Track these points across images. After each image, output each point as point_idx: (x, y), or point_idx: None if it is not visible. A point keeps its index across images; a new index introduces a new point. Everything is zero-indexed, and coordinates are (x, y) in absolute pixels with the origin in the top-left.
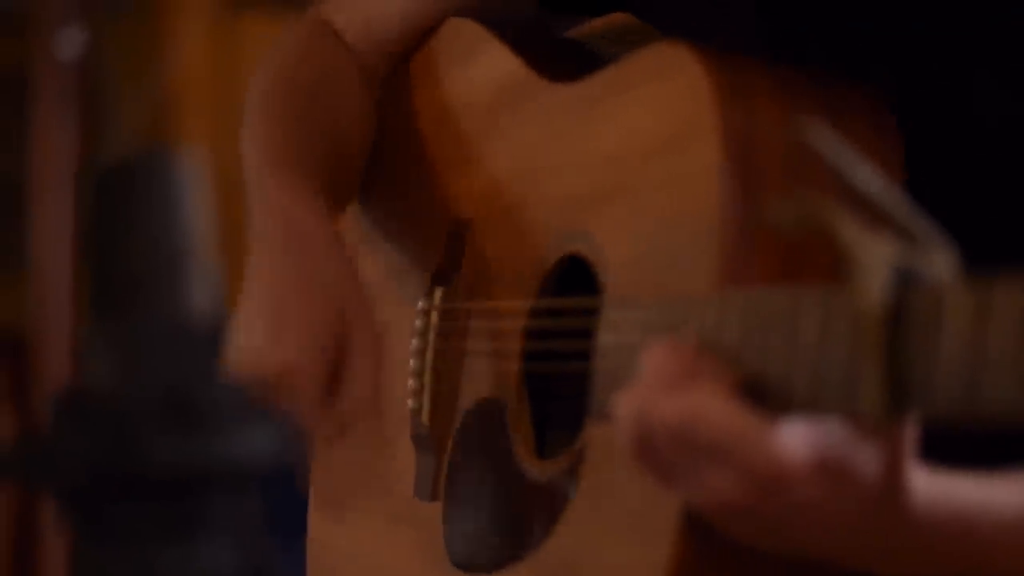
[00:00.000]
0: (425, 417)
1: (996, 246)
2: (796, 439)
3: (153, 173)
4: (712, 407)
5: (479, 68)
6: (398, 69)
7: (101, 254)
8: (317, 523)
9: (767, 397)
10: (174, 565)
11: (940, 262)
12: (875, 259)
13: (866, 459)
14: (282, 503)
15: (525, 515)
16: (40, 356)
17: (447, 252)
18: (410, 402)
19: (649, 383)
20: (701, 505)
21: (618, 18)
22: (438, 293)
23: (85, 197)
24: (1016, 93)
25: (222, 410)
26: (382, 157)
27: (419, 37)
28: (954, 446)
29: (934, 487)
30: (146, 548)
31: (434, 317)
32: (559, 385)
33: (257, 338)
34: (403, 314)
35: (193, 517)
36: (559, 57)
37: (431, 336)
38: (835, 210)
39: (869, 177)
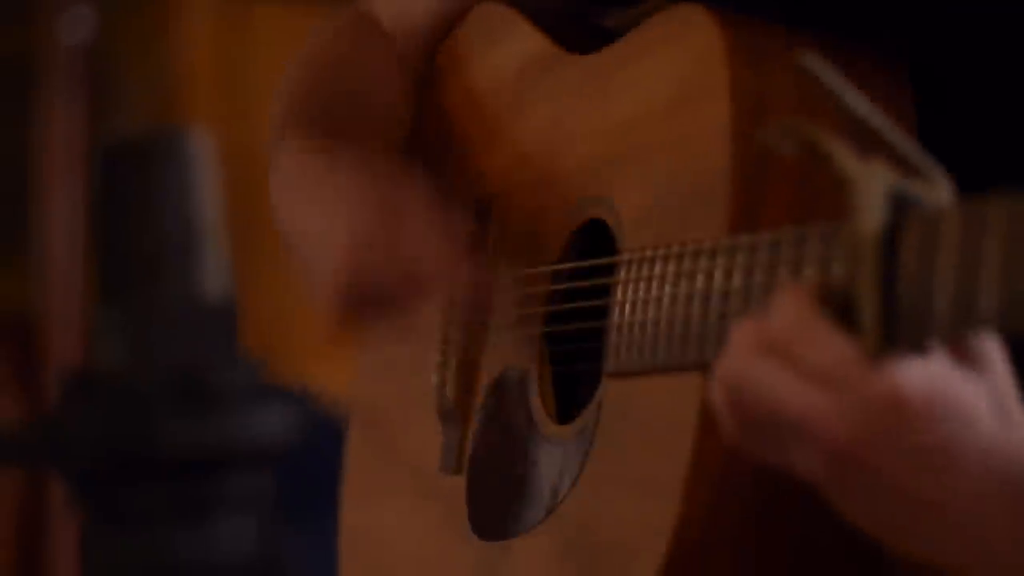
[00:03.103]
0: (450, 390)
1: None
2: (904, 370)
3: (163, 154)
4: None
5: (506, 47)
6: (434, 56)
7: (111, 235)
8: (349, 508)
9: None
10: (186, 547)
11: (937, 190)
12: (872, 185)
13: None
14: (295, 484)
15: (546, 478)
16: (50, 338)
17: (473, 227)
18: (434, 376)
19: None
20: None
21: (656, 4)
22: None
23: (94, 178)
24: None
25: (234, 390)
26: (416, 142)
27: (451, 24)
28: None
29: None
30: (158, 530)
31: (459, 291)
32: (582, 347)
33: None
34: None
35: (205, 499)
36: (585, 32)
37: (456, 310)
38: (833, 139)
39: (869, 109)
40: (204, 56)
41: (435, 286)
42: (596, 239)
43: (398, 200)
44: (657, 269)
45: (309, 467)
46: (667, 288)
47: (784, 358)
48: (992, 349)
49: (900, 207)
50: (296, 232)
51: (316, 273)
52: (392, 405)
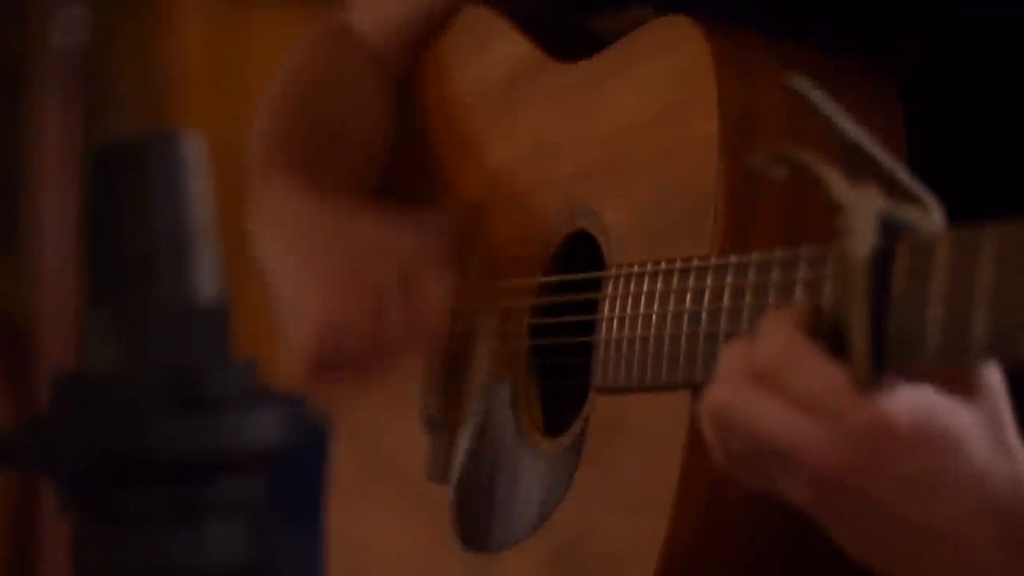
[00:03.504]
0: (436, 400)
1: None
2: (897, 399)
3: (156, 156)
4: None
5: (492, 54)
6: (416, 63)
7: (103, 237)
8: (336, 514)
9: None
10: (180, 550)
11: (929, 215)
12: (863, 209)
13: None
14: (290, 488)
15: (533, 492)
16: (42, 340)
17: (459, 237)
18: (420, 384)
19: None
20: (800, 481)
21: (640, 14)
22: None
23: (87, 180)
24: (1019, 67)
25: (228, 394)
26: (401, 151)
27: (435, 22)
28: None
29: None
30: (151, 533)
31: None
32: (569, 360)
33: (302, 322)
34: None
35: (199, 502)
36: (571, 39)
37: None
38: (823, 162)
39: (859, 132)
40: (198, 59)
41: (403, 353)
42: (584, 251)
43: (372, 267)
44: (645, 286)
45: (304, 470)
46: (655, 306)
47: (772, 386)
48: (990, 375)
49: (891, 232)
50: (272, 276)
51: (289, 332)
52: (378, 411)
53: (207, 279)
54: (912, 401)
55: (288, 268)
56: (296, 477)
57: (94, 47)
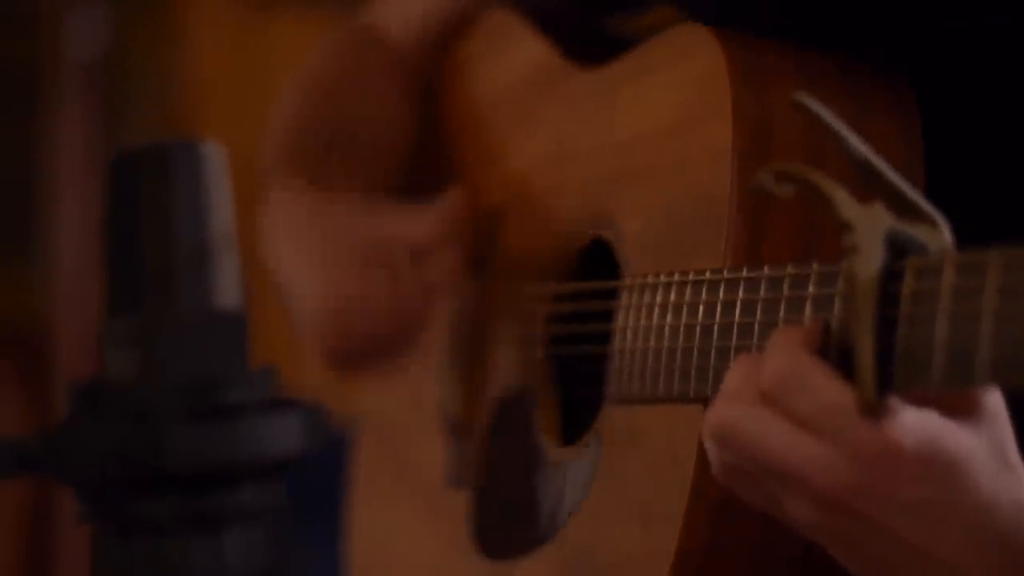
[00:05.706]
0: (456, 405)
1: (1016, 230)
2: (903, 423)
3: (176, 164)
4: (816, 378)
5: (512, 58)
6: (439, 65)
7: (122, 245)
8: (357, 519)
9: None
10: (198, 558)
11: (937, 234)
12: (870, 228)
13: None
14: (307, 496)
15: (549, 501)
16: (61, 348)
17: (479, 241)
18: (441, 391)
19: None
20: (806, 506)
21: (664, 14)
22: (469, 282)
23: (107, 187)
24: None
25: (246, 402)
26: (425, 153)
27: (461, 22)
28: None
29: None
30: (169, 542)
31: (465, 306)
32: (587, 368)
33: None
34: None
35: (217, 511)
36: (593, 43)
37: (462, 325)
38: (831, 181)
39: (868, 151)
40: (218, 65)
41: (420, 328)
42: (602, 258)
43: (376, 250)
44: (659, 297)
45: (322, 478)
46: (668, 317)
47: (777, 405)
48: (992, 398)
49: (899, 251)
50: (280, 275)
51: (303, 330)
52: (400, 415)
53: (227, 287)
54: (917, 425)
55: (287, 262)
56: (314, 484)
57: (113, 54)
